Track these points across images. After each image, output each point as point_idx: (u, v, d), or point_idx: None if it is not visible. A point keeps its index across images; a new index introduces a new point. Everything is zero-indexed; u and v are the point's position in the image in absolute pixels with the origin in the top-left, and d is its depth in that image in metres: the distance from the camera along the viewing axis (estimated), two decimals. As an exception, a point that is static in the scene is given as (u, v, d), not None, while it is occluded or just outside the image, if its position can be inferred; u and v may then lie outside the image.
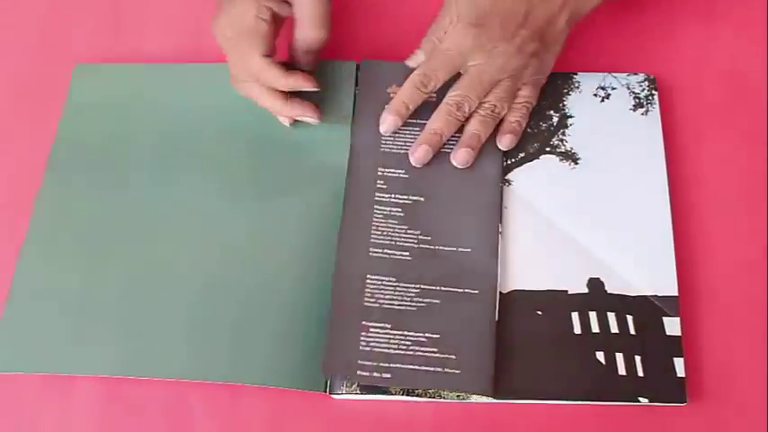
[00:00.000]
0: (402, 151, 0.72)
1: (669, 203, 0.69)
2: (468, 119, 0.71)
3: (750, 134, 0.73)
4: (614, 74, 0.75)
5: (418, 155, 0.70)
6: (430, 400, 0.64)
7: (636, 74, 0.75)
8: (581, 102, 0.74)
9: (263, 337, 0.64)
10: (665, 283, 0.66)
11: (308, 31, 0.69)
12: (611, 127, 0.73)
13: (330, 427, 0.64)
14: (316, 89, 0.69)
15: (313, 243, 0.68)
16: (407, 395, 0.63)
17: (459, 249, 0.67)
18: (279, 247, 0.68)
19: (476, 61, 0.70)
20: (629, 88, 0.74)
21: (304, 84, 0.69)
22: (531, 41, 0.70)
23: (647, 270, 0.67)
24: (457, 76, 0.71)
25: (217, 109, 0.74)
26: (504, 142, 0.71)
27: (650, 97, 0.74)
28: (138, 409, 0.64)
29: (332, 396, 0.64)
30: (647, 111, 0.73)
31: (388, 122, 0.71)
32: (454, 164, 0.70)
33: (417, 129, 0.72)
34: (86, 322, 0.65)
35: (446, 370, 0.63)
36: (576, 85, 0.75)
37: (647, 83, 0.74)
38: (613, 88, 0.75)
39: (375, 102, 0.73)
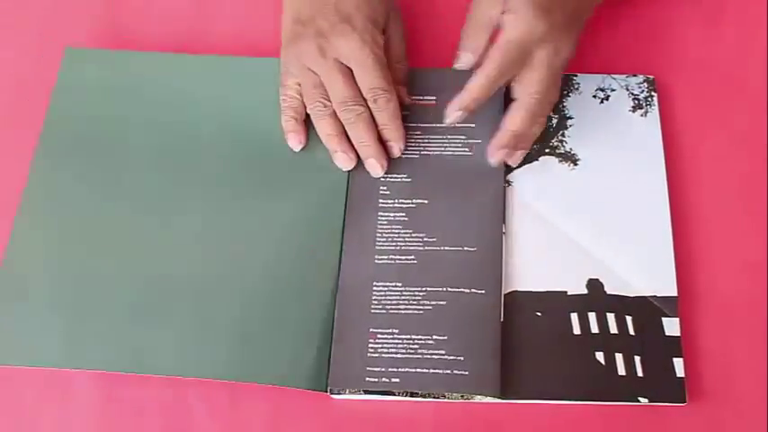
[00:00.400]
0: (404, 156, 0.72)
1: (668, 204, 0.69)
2: None
3: (749, 135, 0.73)
4: (613, 75, 0.75)
5: (499, 156, 0.70)
6: (433, 400, 0.64)
7: (635, 75, 0.75)
8: (580, 103, 0.74)
9: (263, 336, 0.64)
10: (664, 284, 0.66)
11: (402, 59, 0.72)
12: (611, 128, 0.73)
13: (330, 427, 0.64)
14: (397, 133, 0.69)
15: (314, 243, 0.68)
16: (411, 396, 0.64)
17: (465, 248, 0.67)
18: (279, 247, 0.68)
19: (544, 50, 0.66)
20: (628, 89, 0.75)
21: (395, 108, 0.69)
22: (577, 29, 0.69)
23: (646, 270, 0.67)
24: None
25: (214, 103, 0.73)
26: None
27: (649, 99, 0.74)
28: (137, 409, 0.64)
29: (332, 396, 0.64)
30: (646, 112, 0.73)
31: (453, 117, 0.68)
32: (510, 163, 0.70)
33: (418, 132, 0.72)
34: (81, 317, 0.65)
35: (454, 372, 0.63)
36: (576, 86, 0.75)
37: (646, 84, 0.75)
38: (612, 90, 0.75)
39: None
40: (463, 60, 0.71)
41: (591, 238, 0.68)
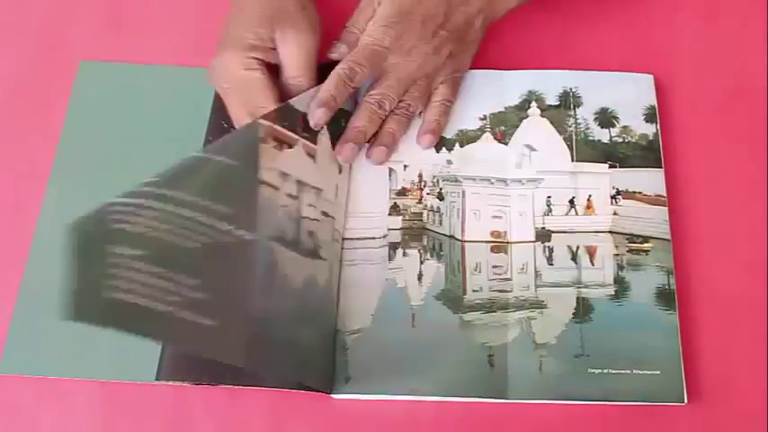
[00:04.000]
0: None
1: (666, 203, 0.69)
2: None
3: (750, 134, 0.73)
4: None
5: (345, 153, 0.70)
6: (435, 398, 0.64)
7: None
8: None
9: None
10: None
11: (292, 78, 0.70)
12: None
13: (330, 427, 0.64)
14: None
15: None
16: None
17: None
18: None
19: (395, 60, 0.71)
20: None
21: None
22: (449, 42, 0.72)
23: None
24: None
25: None
26: (424, 142, 0.72)
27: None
28: (138, 409, 0.64)
29: (332, 396, 0.64)
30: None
31: (317, 115, 0.68)
32: (371, 162, 0.71)
33: None
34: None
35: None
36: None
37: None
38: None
39: None
40: (336, 50, 0.73)
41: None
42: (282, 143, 0.66)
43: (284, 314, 0.62)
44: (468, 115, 0.74)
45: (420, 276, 0.68)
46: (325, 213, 0.68)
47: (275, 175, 0.64)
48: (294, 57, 0.69)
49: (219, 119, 0.73)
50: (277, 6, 0.70)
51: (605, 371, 0.63)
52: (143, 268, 0.55)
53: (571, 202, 0.70)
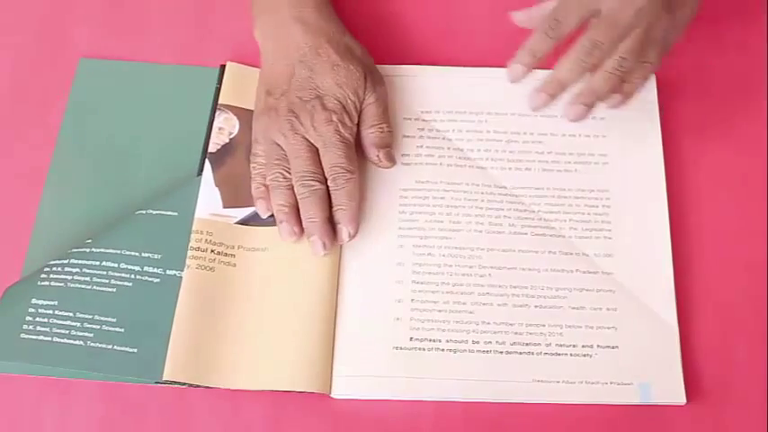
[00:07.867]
0: None
1: (667, 203, 0.69)
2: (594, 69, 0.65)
3: (750, 135, 0.73)
4: None
5: (535, 102, 0.65)
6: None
7: None
8: None
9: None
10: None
11: (379, 126, 0.70)
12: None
13: (330, 427, 0.64)
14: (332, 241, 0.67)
15: None
16: None
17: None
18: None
19: (611, 3, 0.64)
20: None
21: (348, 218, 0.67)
22: None
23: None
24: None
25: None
26: (612, 102, 0.65)
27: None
28: (138, 409, 0.64)
29: (332, 396, 0.64)
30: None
31: (515, 71, 0.65)
32: (568, 119, 0.65)
33: None
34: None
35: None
36: None
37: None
38: None
39: None
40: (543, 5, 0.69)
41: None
42: None
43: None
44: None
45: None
46: None
47: None
48: (382, 107, 0.71)
49: None
50: (368, 63, 0.72)
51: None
52: (55, 314, 0.65)
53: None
